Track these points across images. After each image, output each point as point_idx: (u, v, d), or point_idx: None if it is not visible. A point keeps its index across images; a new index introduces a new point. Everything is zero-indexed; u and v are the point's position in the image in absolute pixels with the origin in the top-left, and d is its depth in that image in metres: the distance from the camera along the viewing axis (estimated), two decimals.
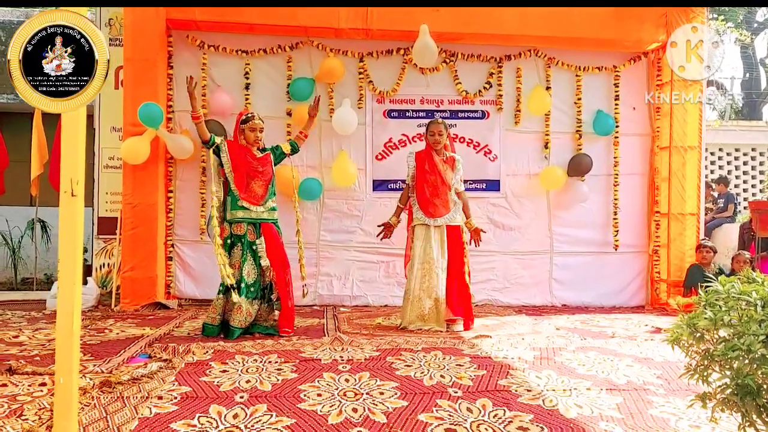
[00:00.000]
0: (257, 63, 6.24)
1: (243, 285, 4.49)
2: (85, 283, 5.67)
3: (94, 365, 3.44)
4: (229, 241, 4.52)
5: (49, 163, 7.04)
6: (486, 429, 2.55)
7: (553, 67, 6.55)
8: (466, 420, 2.64)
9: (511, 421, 2.63)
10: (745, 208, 10.12)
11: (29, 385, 3.03)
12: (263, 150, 4.70)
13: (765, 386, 1.50)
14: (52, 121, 6.89)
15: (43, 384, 3.06)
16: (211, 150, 4.60)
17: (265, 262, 4.53)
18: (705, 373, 1.63)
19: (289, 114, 6.21)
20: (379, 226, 5.18)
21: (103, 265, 6.40)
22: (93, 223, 6.48)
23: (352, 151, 6.34)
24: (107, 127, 6.48)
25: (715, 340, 1.62)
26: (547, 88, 6.50)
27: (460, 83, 6.46)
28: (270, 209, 4.61)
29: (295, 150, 4.90)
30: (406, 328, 4.83)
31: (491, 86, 6.51)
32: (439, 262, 4.88)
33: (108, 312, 5.70)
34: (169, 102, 6.08)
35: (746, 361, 1.51)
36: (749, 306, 1.54)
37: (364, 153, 6.40)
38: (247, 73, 6.21)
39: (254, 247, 4.54)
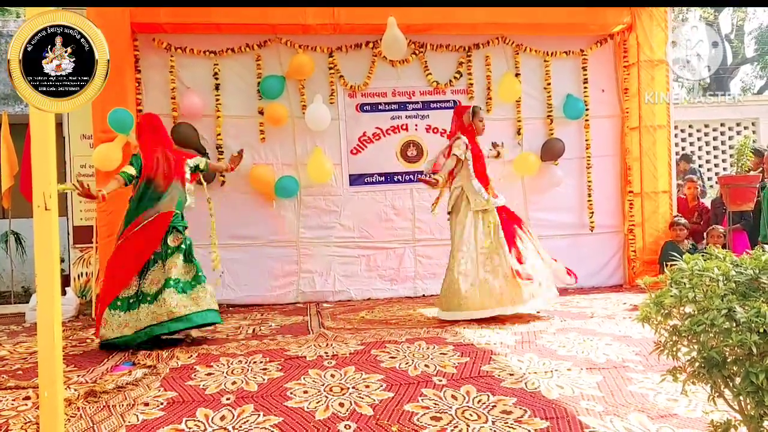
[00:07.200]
0: (226, 63, 6.20)
1: (172, 282, 4.24)
2: (63, 293, 5.61)
3: (78, 375, 3.44)
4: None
5: (19, 174, 6.92)
6: (471, 415, 2.60)
7: (521, 53, 6.60)
8: (451, 407, 2.69)
9: (494, 406, 2.69)
10: (716, 182, 10.29)
11: (13, 400, 3.02)
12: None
13: (730, 358, 1.57)
14: (19, 131, 6.78)
15: (27, 398, 3.05)
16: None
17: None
18: (674, 349, 1.70)
19: (261, 113, 6.19)
20: (424, 179, 4.96)
21: (81, 274, 6.33)
22: (68, 233, 6.40)
23: (327, 147, 6.34)
24: (77, 135, 6.39)
25: (681, 316, 1.68)
26: (517, 75, 6.56)
27: (430, 74, 6.48)
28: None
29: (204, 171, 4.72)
30: (474, 319, 4.62)
31: (461, 75, 6.55)
32: (503, 241, 4.82)
33: (89, 321, 5.63)
34: (138, 107, 6.01)
35: (711, 335, 1.58)
36: (712, 282, 1.60)
37: (339, 148, 6.41)
38: (216, 73, 6.17)
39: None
